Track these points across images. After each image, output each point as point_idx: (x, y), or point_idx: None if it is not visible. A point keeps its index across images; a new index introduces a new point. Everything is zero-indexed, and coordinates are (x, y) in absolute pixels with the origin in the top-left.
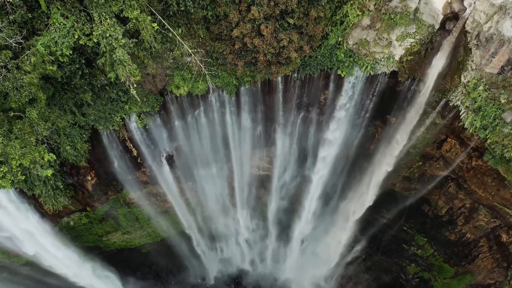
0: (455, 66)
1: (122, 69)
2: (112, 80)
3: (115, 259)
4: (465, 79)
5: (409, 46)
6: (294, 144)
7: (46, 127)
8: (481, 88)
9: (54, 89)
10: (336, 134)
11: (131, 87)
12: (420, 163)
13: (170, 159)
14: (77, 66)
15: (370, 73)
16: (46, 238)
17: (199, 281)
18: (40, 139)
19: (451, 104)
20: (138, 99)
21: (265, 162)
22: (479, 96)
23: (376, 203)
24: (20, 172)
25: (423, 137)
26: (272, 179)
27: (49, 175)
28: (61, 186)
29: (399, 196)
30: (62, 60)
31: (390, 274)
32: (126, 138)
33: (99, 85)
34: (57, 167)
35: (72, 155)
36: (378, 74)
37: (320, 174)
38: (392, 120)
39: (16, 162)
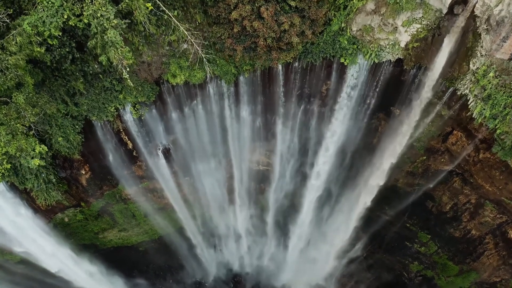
0: (464, 52)
1: (114, 51)
2: (103, 63)
3: (112, 257)
4: (474, 66)
5: (415, 32)
6: (295, 138)
7: (33, 112)
8: (491, 75)
9: (43, 75)
10: (338, 128)
11: (124, 71)
12: (424, 157)
13: (166, 153)
14: (67, 49)
15: (374, 61)
16: (40, 235)
17: (198, 280)
18: (27, 125)
19: (458, 93)
20: (131, 84)
21: (265, 157)
22: (489, 83)
23: (378, 199)
24: (5, 160)
25: (428, 130)
26: (272, 175)
27: (37, 164)
28: (54, 179)
29: (402, 192)
30: (51, 43)
31: (392, 272)
32: (121, 130)
33: (91, 71)
34: (49, 159)
35: (65, 147)
36: (383, 62)
37: (321, 169)
38: (396, 112)
39: (2, 150)
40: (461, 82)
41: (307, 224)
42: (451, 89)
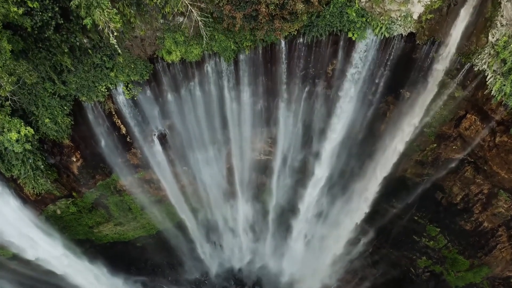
0: (482, 23)
1: (100, 12)
2: (88, 27)
3: (108, 253)
4: (493, 37)
5: (429, 3)
6: (299, 123)
7: (10, 81)
8: None
9: (25, 45)
10: (344, 112)
11: (111, 35)
12: (435, 144)
13: (162, 139)
14: (49, 14)
15: (384, 36)
16: (30, 228)
17: (198, 277)
18: (3, 95)
19: (475, 69)
20: (119, 50)
21: (267, 145)
22: (510, 56)
23: (385, 191)
24: None
25: (440, 114)
26: (274, 164)
27: (22, 148)
28: (42, 166)
29: (410, 182)
30: (32, 6)
31: (399, 268)
32: (113, 113)
33: (78, 43)
34: (35, 143)
35: (53, 130)
36: (393, 37)
37: (326, 158)
38: (406, 94)
39: None
40: (479, 56)
41: (311, 217)
42: (467, 65)
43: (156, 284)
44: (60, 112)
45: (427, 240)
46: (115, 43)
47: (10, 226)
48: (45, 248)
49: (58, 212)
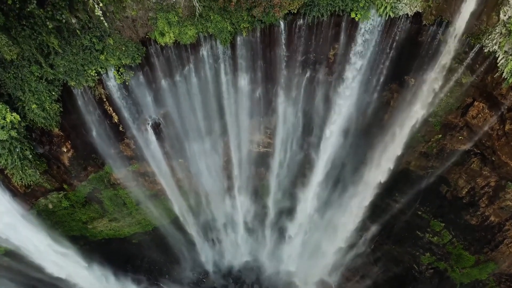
0: (493, 0)
1: None
2: None
3: (103, 250)
4: (505, 15)
5: None
6: (299, 112)
7: None
8: None
9: (6, 21)
10: (346, 100)
11: (96, 7)
12: (440, 135)
13: (156, 128)
14: None
15: (389, 16)
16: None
17: (195, 275)
18: None
19: (485, 51)
20: (106, 25)
21: (265, 136)
22: None
23: (388, 185)
24: None
25: (446, 102)
26: (274, 157)
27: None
28: (30, 155)
29: (414, 176)
30: None
31: (401, 265)
32: (104, 99)
33: (64, 21)
34: (22, 130)
35: (40, 117)
36: (399, 17)
37: (327, 150)
38: (410, 82)
39: None
40: (489, 36)
41: (311, 212)
42: (476, 47)
43: (153, 282)
44: (48, 98)
45: (431, 235)
46: (100, 15)
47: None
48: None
49: (50, 206)
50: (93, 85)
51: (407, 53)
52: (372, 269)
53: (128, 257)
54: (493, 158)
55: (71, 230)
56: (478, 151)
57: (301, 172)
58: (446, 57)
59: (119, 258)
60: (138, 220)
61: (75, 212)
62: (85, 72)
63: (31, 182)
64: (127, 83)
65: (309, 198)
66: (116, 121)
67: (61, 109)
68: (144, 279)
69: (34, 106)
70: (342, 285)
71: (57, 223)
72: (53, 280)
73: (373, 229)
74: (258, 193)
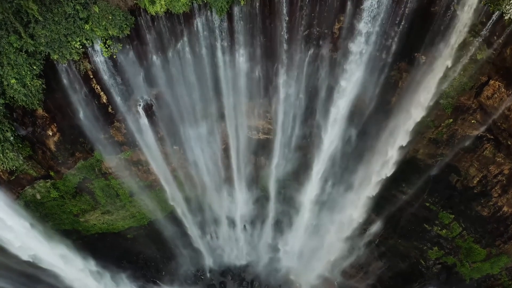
0: None
1: None
2: None
3: (97, 245)
4: None
5: None
6: (301, 94)
7: None
8: None
9: None
10: (352, 79)
11: None
12: (451, 119)
13: (149, 110)
14: None
15: None
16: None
17: (193, 272)
18: None
19: (506, 18)
20: None
21: (265, 122)
22: None
23: (394, 175)
24: None
25: (459, 82)
26: (274, 145)
27: None
28: (11, 137)
29: (422, 165)
30: None
31: (407, 260)
32: (91, 76)
33: None
34: (1, 108)
35: (21, 94)
36: None
37: (331, 135)
38: (421, 59)
39: None
40: (510, 1)
41: (313, 205)
42: (495, 15)
43: (150, 279)
44: (29, 72)
45: (439, 228)
46: None
47: None
48: None
49: (38, 196)
50: (78, 58)
51: (418, 26)
52: (376, 265)
53: (123, 253)
54: (509, 142)
55: (62, 223)
56: (492, 137)
57: (303, 159)
58: (461, 28)
59: (114, 254)
60: (132, 213)
61: (65, 204)
62: (69, 44)
63: (14, 167)
64: (115, 57)
65: (311, 188)
66: (104, 101)
67: (44, 86)
68: (140, 275)
69: (13, 81)
70: (345, 282)
71: (47, 215)
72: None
73: (378, 222)
74: (258, 184)
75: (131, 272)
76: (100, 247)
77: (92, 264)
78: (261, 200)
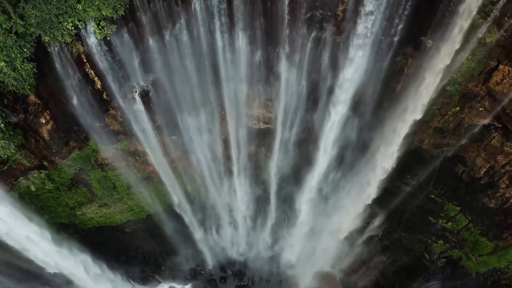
0: None
1: None
2: None
3: (95, 239)
4: None
5: None
6: (303, 80)
7: None
8: None
9: None
10: (356, 64)
11: None
12: (458, 108)
13: (145, 97)
14: None
15: None
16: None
17: (193, 267)
18: None
19: None
20: None
21: (266, 110)
22: None
23: (398, 166)
24: None
25: (467, 67)
26: (275, 135)
27: None
28: (2, 124)
29: (428, 155)
30: None
31: (411, 254)
32: (84, 60)
33: None
34: None
35: (11, 78)
36: None
37: (334, 124)
38: (428, 43)
39: None
40: None
41: (315, 198)
42: None
43: (149, 274)
44: (19, 55)
45: (444, 221)
46: None
47: None
48: None
49: (33, 188)
50: (70, 40)
51: (425, 8)
52: (379, 259)
53: (121, 247)
54: None
55: (58, 216)
56: (500, 125)
57: (304, 150)
58: (470, 10)
59: (112, 248)
60: (130, 206)
61: (61, 196)
62: (60, 25)
63: (5, 156)
64: (108, 39)
65: (313, 180)
66: (99, 87)
67: (35, 70)
68: (139, 271)
69: (2, 64)
70: (347, 277)
71: (42, 208)
72: None
73: (382, 215)
74: (259, 175)
75: (130, 267)
76: (98, 241)
77: (89, 260)
78: (262, 193)
